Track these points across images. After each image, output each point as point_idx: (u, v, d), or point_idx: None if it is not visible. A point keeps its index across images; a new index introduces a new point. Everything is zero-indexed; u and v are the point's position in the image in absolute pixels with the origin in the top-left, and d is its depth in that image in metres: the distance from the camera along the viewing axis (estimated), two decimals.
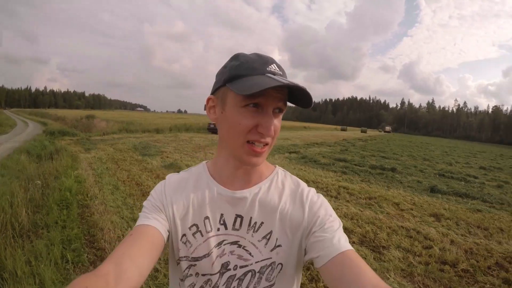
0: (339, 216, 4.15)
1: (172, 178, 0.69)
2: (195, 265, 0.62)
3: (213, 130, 20.16)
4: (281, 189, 0.65)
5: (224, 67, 0.60)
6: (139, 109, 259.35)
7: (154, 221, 0.59)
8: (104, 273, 0.46)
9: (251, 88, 0.51)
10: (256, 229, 0.61)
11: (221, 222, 0.63)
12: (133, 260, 0.50)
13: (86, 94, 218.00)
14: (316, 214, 0.60)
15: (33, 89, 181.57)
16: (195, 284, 0.62)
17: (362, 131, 52.21)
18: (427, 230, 3.91)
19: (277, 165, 0.71)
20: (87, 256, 2.70)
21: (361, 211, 4.59)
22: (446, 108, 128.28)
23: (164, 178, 0.70)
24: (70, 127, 20.26)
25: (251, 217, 0.62)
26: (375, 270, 2.85)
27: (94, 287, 0.42)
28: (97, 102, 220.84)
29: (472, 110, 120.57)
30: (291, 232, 0.61)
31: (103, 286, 0.43)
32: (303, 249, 0.60)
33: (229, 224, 0.62)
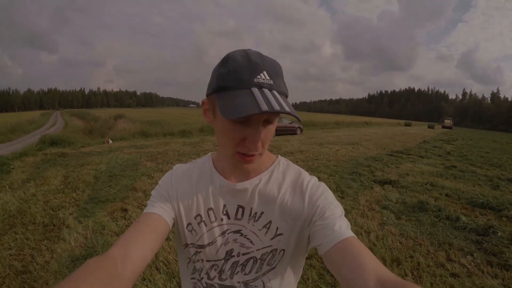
0: None
1: (179, 169, 0.70)
2: (200, 252, 0.64)
3: None
4: (281, 179, 0.65)
5: (214, 71, 0.55)
6: (191, 105, 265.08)
7: (159, 209, 0.62)
8: (113, 256, 0.48)
9: (233, 112, 0.48)
10: (256, 219, 0.62)
11: (224, 212, 0.64)
12: (137, 245, 0.52)
13: (138, 93, 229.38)
14: (316, 204, 0.60)
15: (87, 91, 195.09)
16: (203, 268, 0.65)
17: (429, 127, 42.98)
18: None
19: (279, 155, 0.70)
20: None
21: None
22: (510, 99, 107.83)
23: None
24: (92, 130, 17.12)
25: (251, 208, 0.63)
26: None
27: (105, 268, 0.45)
28: (149, 100, 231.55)
29: None
30: (292, 221, 0.61)
31: (112, 268, 0.46)
32: (306, 237, 0.60)
33: (232, 214, 0.64)
